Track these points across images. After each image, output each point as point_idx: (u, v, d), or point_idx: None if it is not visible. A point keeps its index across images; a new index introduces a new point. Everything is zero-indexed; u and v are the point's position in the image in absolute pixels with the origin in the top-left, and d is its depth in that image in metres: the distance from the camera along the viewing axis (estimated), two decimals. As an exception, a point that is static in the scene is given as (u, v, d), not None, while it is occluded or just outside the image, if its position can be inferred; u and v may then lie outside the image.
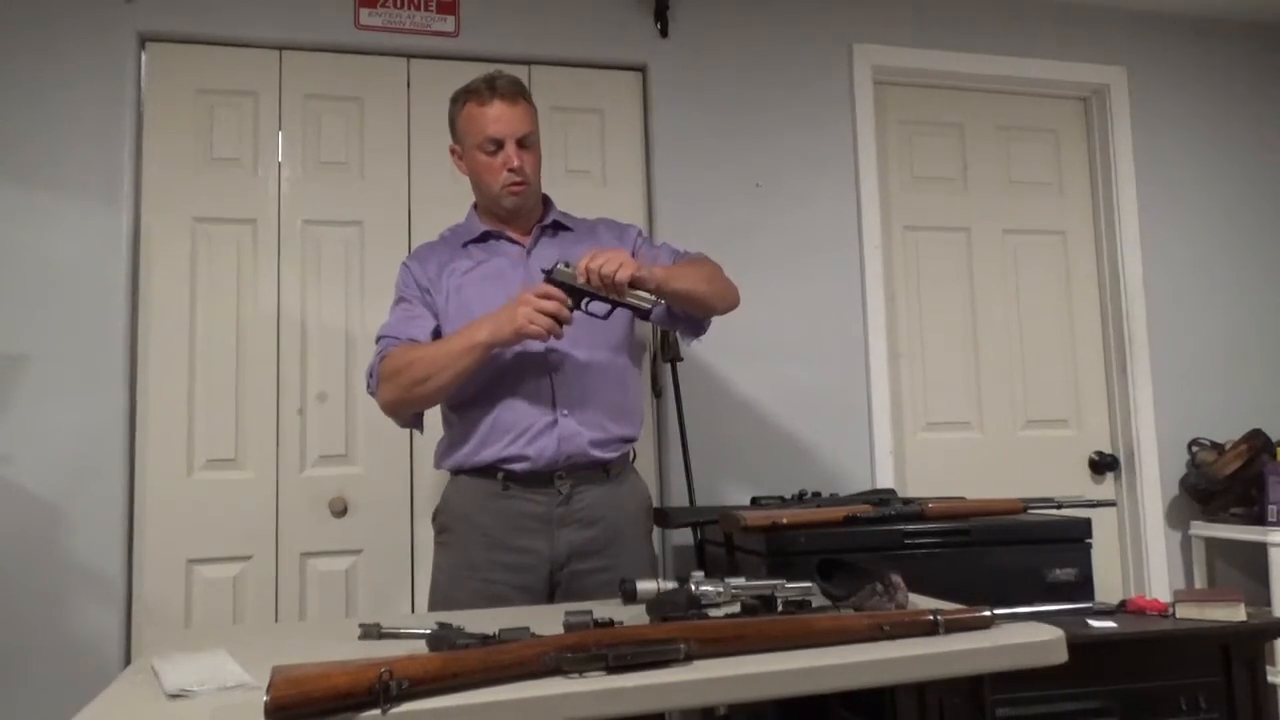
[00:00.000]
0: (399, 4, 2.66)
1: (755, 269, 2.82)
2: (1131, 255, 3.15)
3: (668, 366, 2.65)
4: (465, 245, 1.91)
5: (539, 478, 1.78)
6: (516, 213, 1.90)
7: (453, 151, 1.93)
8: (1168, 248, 3.19)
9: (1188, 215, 3.23)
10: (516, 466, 1.78)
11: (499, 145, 1.82)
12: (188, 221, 2.53)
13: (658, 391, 2.73)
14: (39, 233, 2.40)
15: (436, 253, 1.93)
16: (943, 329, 3.08)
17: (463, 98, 1.86)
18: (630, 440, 1.89)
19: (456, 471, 1.86)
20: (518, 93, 1.84)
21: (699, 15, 2.88)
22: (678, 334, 2.41)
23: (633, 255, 1.88)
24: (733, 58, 2.90)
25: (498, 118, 1.81)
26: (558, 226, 1.96)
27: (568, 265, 1.69)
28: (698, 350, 2.73)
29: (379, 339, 1.86)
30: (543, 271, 1.72)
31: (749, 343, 2.79)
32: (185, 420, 2.47)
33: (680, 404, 2.61)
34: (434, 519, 1.91)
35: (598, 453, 1.81)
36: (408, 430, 2.43)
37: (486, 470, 1.80)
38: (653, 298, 1.70)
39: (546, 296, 1.66)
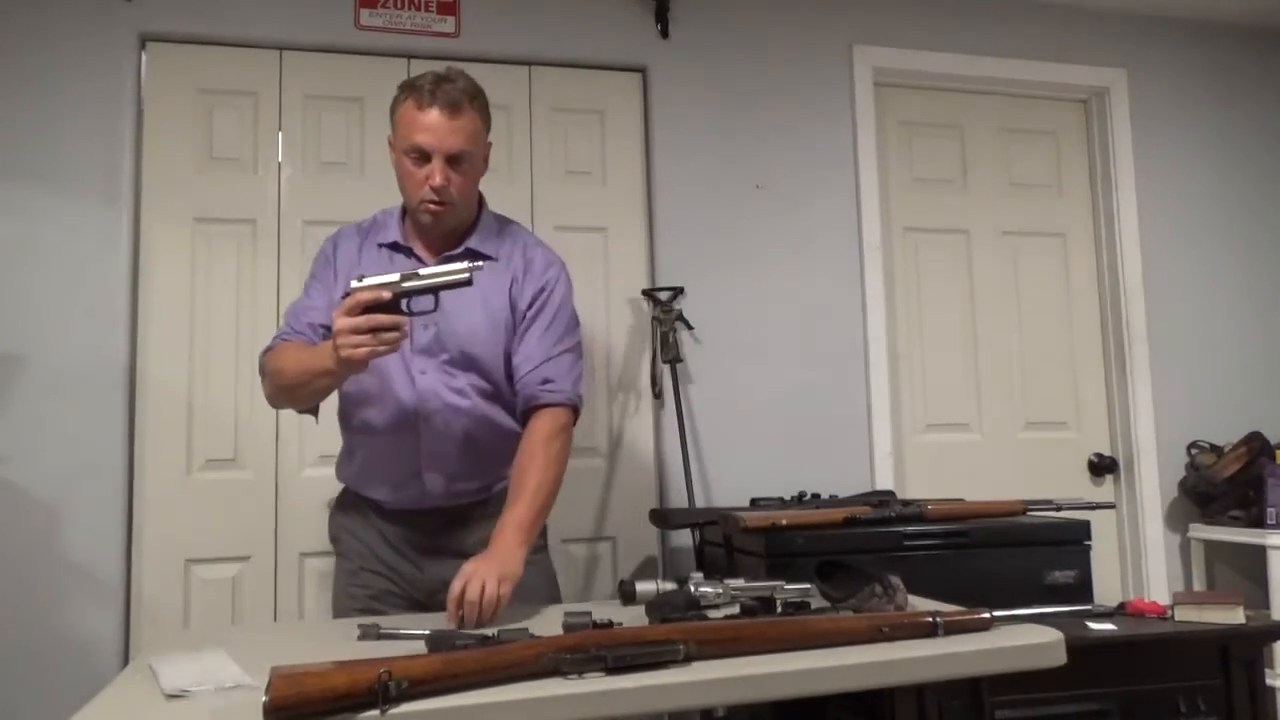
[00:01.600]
0: (399, 4, 2.66)
1: (755, 269, 2.83)
2: (1131, 257, 3.15)
3: (667, 368, 2.64)
4: (380, 246, 1.78)
5: (407, 514, 1.77)
6: (432, 230, 1.74)
7: (389, 141, 1.74)
8: (1168, 249, 3.19)
9: (1187, 217, 3.24)
10: (385, 505, 1.78)
11: (426, 158, 1.65)
12: (188, 221, 2.52)
13: (657, 393, 2.72)
14: (39, 232, 2.40)
15: (352, 244, 1.80)
16: (942, 330, 3.08)
17: (405, 92, 1.67)
18: (502, 478, 1.75)
19: (344, 486, 1.87)
20: (465, 102, 1.65)
21: (699, 16, 2.88)
22: None
23: (525, 314, 1.75)
24: (733, 59, 2.90)
25: (430, 128, 1.63)
26: (473, 255, 1.74)
27: (361, 279, 1.52)
28: (697, 351, 2.73)
29: (285, 319, 1.80)
30: (342, 298, 1.53)
31: (749, 343, 2.79)
32: (184, 420, 2.47)
33: (680, 405, 2.60)
34: (329, 526, 1.90)
35: (464, 500, 1.77)
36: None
37: (363, 496, 1.81)
38: (467, 266, 1.53)
39: (354, 312, 1.47)
